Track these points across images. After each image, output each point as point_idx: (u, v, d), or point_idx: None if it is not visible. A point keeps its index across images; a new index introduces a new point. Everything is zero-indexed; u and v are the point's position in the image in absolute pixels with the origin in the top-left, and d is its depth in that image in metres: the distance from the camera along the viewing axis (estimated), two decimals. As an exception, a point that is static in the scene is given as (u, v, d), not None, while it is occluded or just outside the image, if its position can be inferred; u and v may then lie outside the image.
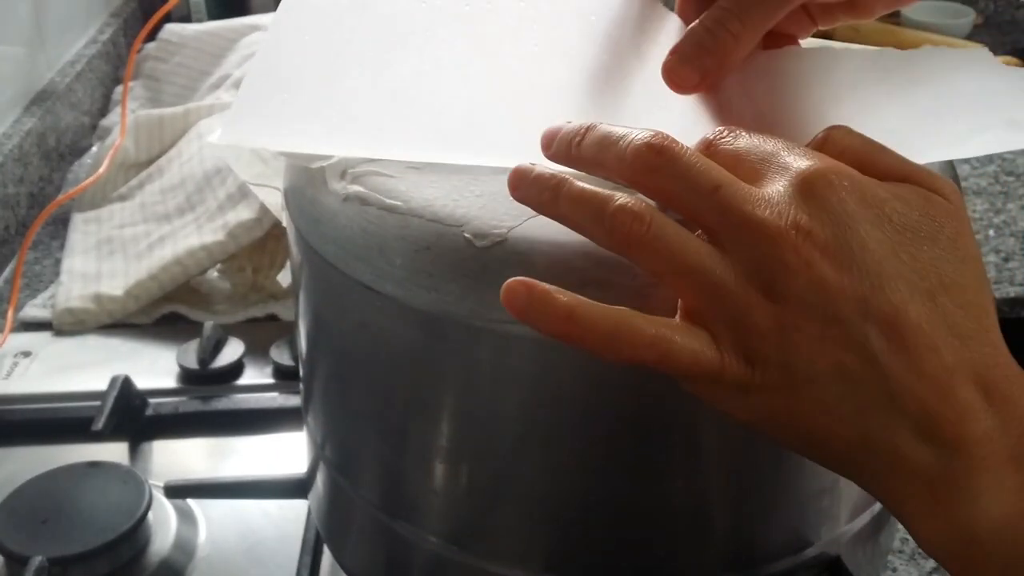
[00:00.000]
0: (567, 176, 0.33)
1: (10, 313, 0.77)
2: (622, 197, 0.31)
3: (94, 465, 0.59)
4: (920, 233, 0.30)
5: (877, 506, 0.44)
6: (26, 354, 0.73)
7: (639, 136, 0.31)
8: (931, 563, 0.58)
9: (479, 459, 0.39)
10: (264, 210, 0.76)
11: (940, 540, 0.29)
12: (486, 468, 0.39)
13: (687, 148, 0.31)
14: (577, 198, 0.32)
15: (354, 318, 0.39)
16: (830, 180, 0.30)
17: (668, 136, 0.31)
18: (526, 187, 0.34)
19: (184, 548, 0.58)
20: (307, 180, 0.41)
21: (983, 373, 0.29)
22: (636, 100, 0.38)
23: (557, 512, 0.39)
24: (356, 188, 0.38)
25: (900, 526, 0.61)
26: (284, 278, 0.78)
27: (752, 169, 0.31)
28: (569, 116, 0.35)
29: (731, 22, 0.36)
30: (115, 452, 0.65)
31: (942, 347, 0.29)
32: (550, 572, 0.40)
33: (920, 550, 0.58)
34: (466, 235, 0.35)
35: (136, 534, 0.56)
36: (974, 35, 1.30)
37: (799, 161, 0.31)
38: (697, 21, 0.37)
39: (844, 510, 0.42)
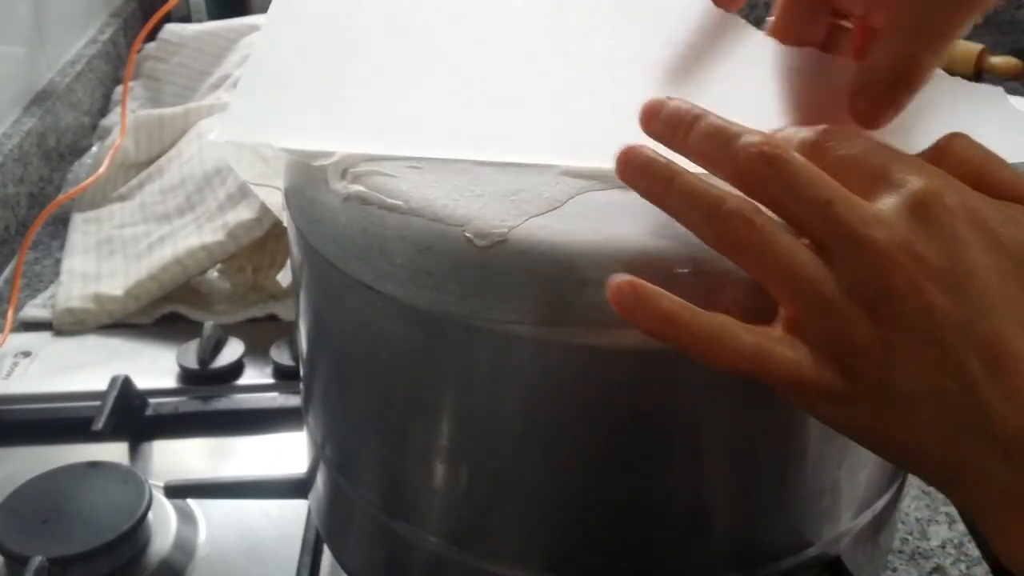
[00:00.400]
0: (680, 169, 0.33)
1: (10, 313, 0.77)
2: (734, 199, 0.31)
3: (94, 465, 0.59)
4: None
5: (878, 506, 0.44)
6: (26, 354, 0.73)
7: (752, 141, 0.31)
8: (931, 563, 0.58)
9: (479, 459, 0.39)
10: (264, 210, 0.76)
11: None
12: (486, 468, 0.39)
13: (800, 158, 0.31)
14: (689, 193, 0.32)
15: (355, 318, 0.39)
16: (944, 202, 0.30)
17: (781, 143, 0.31)
18: (635, 171, 0.34)
19: (184, 548, 0.57)
20: (308, 180, 0.41)
21: None
22: (648, 89, 0.38)
23: (557, 512, 0.39)
24: (357, 188, 0.38)
25: (900, 526, 0.61)
26: (284, 278, 0.78)
27: (864, 180, 0.31)
28: (572, 108, 0.35)
29: (924, 55, 0.34)
30: (115, 452, 0.65)
31: None
32: (550, 572, 0.40)
33: (920, 550, 0.58)
34: (467, 235, 0.35)
35: (136, 534, 0.56)
36: (974, 35, 1.29)
37: (914, 178, 0.31)
38: (881, 53, 0.35)
39: (844, 510, 0.42)
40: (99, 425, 0.62)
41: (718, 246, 0.32)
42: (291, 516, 0.58)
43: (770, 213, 0.31)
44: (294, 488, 0.54)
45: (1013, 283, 0.30)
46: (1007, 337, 0.29)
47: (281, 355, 0.71)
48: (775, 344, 0.31)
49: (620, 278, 0.31)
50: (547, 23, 0.41)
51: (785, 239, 0.31)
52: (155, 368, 0.71)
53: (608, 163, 0.35)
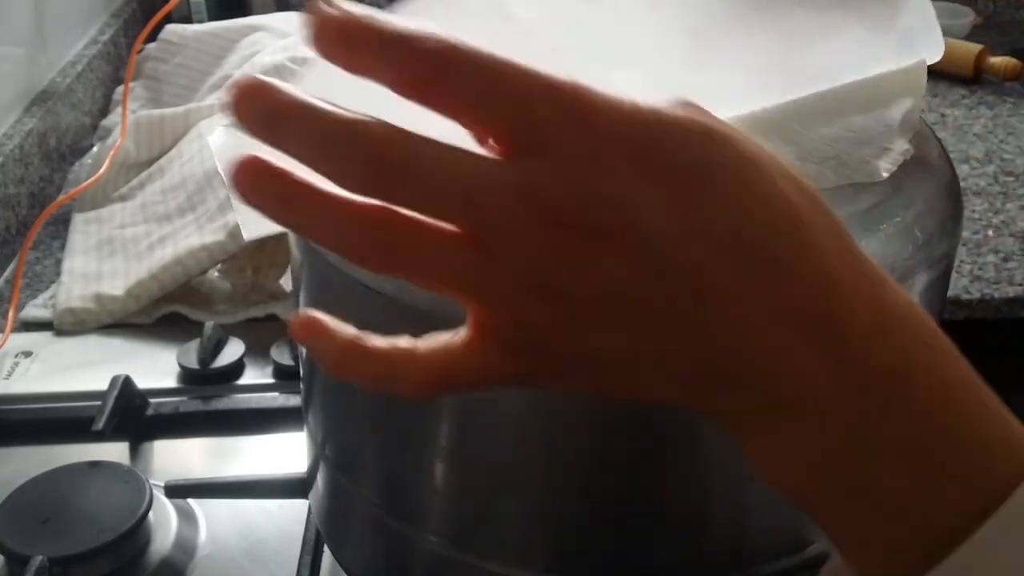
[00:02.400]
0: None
1: (11, 313, 0.78)
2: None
3: (95, 465, 0.60)
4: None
5: (876, 505, 0.44)
6: (27, 354, 0.74)
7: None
8: (930, 563, 0.58)
9: (480, 459, 0.39)
10: (265, 210, 0.76)
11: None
12: (486, 467, 0.39)
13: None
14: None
15: (354, 318, 0.39)
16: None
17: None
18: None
19: (184, 547, 0.58)
20: (307, 180, 0.41)
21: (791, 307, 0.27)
22: None
23: (557, 512, 0.39)
24: (356, 188, 0.38)
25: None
26: (287, 281, 0.78)
27: None
28: None
29: None
30: (116, 452, 0.65)
31: (743, 296, 0.26)
32: (550, 572, 0.40)
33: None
34: (466, 235, 0.35)
35: (137, 534, 0.56)
36: (974, 35, 1.29)
37: None
38: None
39: (843, 509, 0.42)
40: (100, 425, 0.62)
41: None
42: (292, 515, 0.59)
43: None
44: (294, 488, 0.54)
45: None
46: (701, 267, 0.26)
47: (281, 355, 0.71)
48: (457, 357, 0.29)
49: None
50: None
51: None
52: (156, 368, 0.71)
53: None
